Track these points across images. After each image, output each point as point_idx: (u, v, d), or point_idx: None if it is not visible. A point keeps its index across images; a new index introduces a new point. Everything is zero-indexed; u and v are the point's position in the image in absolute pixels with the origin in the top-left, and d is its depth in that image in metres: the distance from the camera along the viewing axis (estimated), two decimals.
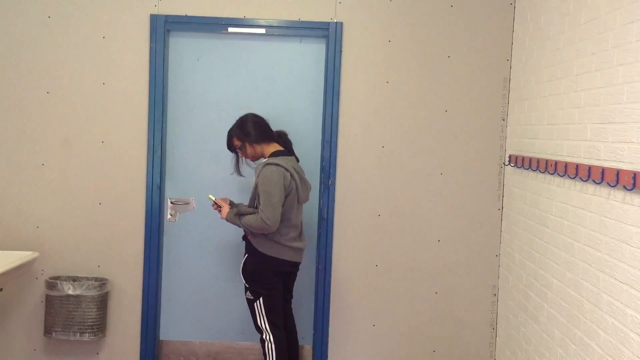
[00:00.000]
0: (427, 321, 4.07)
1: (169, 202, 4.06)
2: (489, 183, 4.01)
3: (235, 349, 4.15)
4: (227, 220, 3.54)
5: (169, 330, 4.14)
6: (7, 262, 3.42)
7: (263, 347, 3.54)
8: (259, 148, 3.57)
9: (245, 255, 3.61)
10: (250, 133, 3.55)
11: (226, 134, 3.65)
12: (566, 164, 2.99)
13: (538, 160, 3.36)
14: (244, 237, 3.62)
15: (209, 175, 4.09)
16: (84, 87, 3.95)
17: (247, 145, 3.56)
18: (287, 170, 3.42)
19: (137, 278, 4.02)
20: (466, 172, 4.01)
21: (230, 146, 3.62)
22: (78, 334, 3.83)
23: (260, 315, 3.51)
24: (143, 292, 4.02)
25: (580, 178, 2.84)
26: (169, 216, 4.06)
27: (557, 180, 3.15)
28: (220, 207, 3.59)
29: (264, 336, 3.52)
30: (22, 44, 3.92)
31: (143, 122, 3.97)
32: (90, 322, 3.84)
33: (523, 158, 3.61)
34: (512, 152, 3.87)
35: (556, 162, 3.11)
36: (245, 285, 3.58)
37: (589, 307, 2.76)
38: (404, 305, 4.06)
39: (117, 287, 4.01)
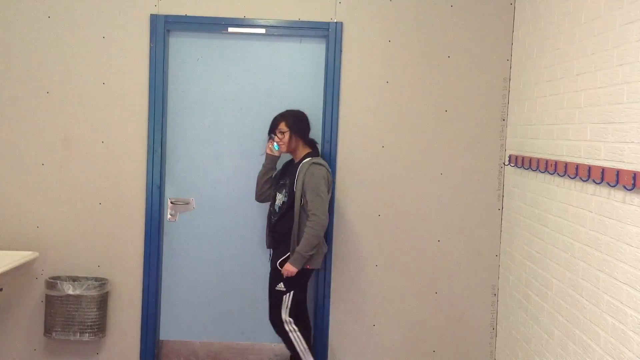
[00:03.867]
0: (427, 321, 4.07)
1: (169, 202, 4.06)
2: (489, 183, 4.01)
3: (236, 349, 4.15)
4: (297, 267, 3.55)
5: (169, 330, 4.14)
6: (7, 262, 3.42)
7: (287, 337, 3.64)
8: (297, 144, 3.72)
9: (271, 250, 3.76)
10: (301, 127, 3.71)
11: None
12: (566, 164, 2.99)
13: (538, 160, 3.36)
14: (274, 238, 3.71)
15: (209, 175, 4.09)
16: (84, 87, 3.95)
17: (292, 135, 3.68)
18: (328, 171, 3.65)
19: (137, 278, 4.01)
20: (466, 172, 4.01)
21: (273, 128, 3.72)
22: (78, 334, 3.83)
23: (287, 307, 3.62)
24: (143, 292, 4.02)
25: (581, 178, 2.84)
26: (169, 216, 4.07)
27: (557, 180, 3.15)
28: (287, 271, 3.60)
29: (286, 327, 3.63)
30: (22, 44, 3.92)
31: (143, 122, 3.96)
32: (90, 322, 3.84)
33: (523, 158, 3.61)
34: (512, 152, 3.87)
35: (556, 162, 3.11)
36: (278, 276, 3.62)
37: (588, 307, 2.76)
38: (404, 305, 4.06)
39: (117, 287, 4.01)
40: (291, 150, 3.75)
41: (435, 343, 4.08)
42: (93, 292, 3.83)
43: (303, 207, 3.56)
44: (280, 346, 4.06)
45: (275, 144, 3.72)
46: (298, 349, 3.65)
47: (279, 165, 3.88)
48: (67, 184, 3.97)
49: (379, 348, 4.08)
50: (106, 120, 3.96)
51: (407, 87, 3.98)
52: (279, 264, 3.64)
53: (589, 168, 2.75)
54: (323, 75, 4.00)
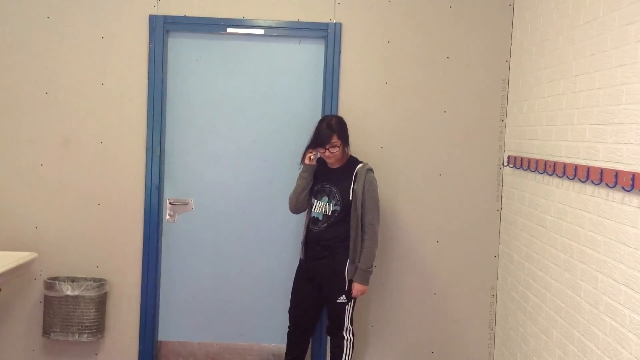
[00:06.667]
0: (426, 322, 4.07)
1: (167, 203, 4.06)
2: (487, 184, 4.01)
3: (234, 349, 4.15)
4: (366, 283, 3.54)
5: (168, 331, 4.14)
6: (5, 263, 3.41)
7: (340, 344, 3.60)
8: (347, 152, 3.65)
9: (328, 257, 3.57)
10: (347, 134, 3.63)
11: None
12: (565, 164, 2.99)
13: (537, 161, 3.36)
14: (325, 246, 3.58)
15: (208, 175, 4.09)
16: (83, 88, 3.95)
17: (343, 147, 3.59)
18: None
19: (136, 278, 4.01)
20: (465, 173, 4.01)
21: (326, 142, 3.51)
22: (76, 335, 3.83)
23: (349, 316, 3.60)
24: (142, 292, 4.01)
25: (579, 179, 2.84)
26: (167, 217, 4.07)
27: (555, 181, 3.15)
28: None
29: (345, 334, 3.60)
30: (22, 44, 3.92)
31: (142, 123, 3.96)
32: (89, 322, 3.84)
33: (522, 159, 3.61)
34: (510, 153, 3.87)
35: (555, 163, 3.11)
36: (339, 289, 3.55)
37: (587, 308, 2.76)
38: (403, 305, 4.06)
39: (115, 288, 4.01)
40: (339, 160, 3.62)
41: (433, 344, 4.08)
42: (91, 293, 3.83)
43: (362, 214, 3.50)
44: (279, 347, 4.07)
45: (314, 153, 3.57)
46: (344, 358, 3.61)
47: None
48: (66, 184, 3.97)
49: (377, 348, 4.08)
50: (105, 121, 3.96)
51: (406, 88, 3.98)
52: (347, 273, 3.52)
53: (588, 169, 2.75)
54: (322, 76, 4.00)
